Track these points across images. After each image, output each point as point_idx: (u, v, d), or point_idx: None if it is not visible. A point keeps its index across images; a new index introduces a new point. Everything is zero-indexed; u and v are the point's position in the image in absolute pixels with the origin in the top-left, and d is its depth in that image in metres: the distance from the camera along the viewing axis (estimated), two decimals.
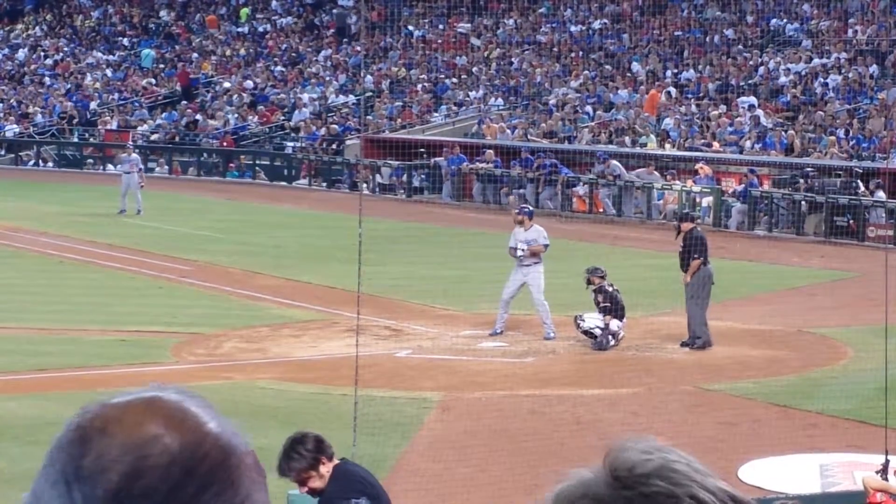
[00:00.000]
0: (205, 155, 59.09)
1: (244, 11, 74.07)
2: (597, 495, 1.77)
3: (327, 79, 63.36)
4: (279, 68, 66.46)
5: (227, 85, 65.02)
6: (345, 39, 67.83)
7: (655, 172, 45.03)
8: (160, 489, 1.75)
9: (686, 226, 25.89)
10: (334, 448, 9.96)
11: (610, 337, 25.20)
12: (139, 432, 1.78)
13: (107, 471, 1.76)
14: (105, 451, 1.77)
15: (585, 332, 25.30)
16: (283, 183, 54.44)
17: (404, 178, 50.71)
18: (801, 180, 41.20)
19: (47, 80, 70.39)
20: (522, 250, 25.61)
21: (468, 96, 58.30)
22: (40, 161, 61.36)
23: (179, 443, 1.77)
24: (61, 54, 73.84)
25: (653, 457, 1.76)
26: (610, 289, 25.50)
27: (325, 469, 9.64)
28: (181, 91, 65.80)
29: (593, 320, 25.23)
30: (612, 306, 25.27)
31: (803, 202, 40.79)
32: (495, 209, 45.50)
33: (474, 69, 60.53)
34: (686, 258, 25.21)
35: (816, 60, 52.66)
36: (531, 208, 27.99)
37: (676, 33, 58.59)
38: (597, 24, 61.67)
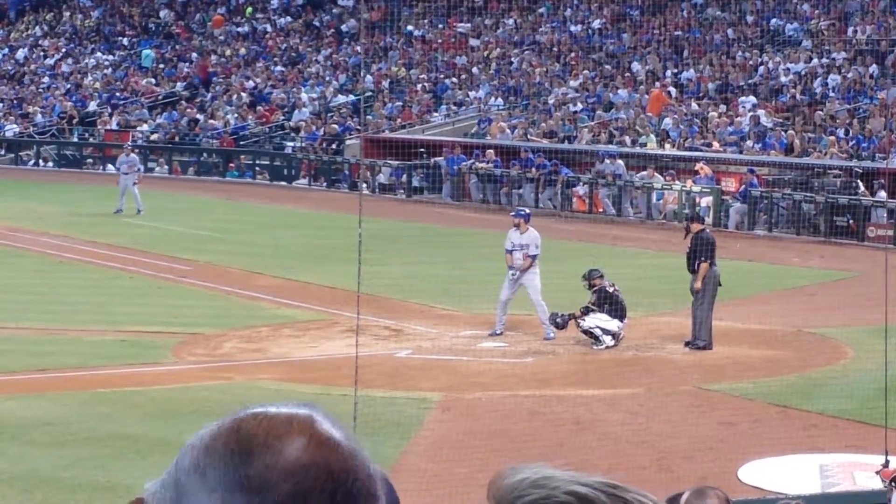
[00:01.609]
0: (204, 155, 59.09)
1: (248, 10, 74.09)
2: None
3: (327, 79, 63.36)
4: (279, 68, 66.47)
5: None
6: (343, 29, 67.82)
7: (657, 174, 45.03)
8: None
9: (695, 227, 25.87)
10: None
11: (610, 337, 25.22)
12: (305, 453, 1.87)
13: (273, 487, 1.83)
14: (271, 466, 1.84)
15: (585, 332, 25.31)
16: (283, 183, 54.43)
17: (404, 178, 50.69)
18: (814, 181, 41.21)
19: (47, 79, 70.39)
20: (514, 267, 25.61)
21: (468, 96, 58.30)
22: (40, 161, 61.36)
23: (340, 467, 1.86)
24: (61, 54, 73.83)
25: (528, 475, 1.83)
26: (610, 289, 25.51)
27: None
28: (201, 83, 66.06)
29: (594, 320, 25.24)
30: (613, 306, 25.28)
31: (803, 203, 40.77)
32: (495, 209, 45.49)
33: (474, 69, 60.52)
34: (693, 260, 25.20)
35: (816, 60, 52.65)
36: (528, 211, 27.95)
37: (676, 33, 58.57)
38: (597, 24, 61.66)
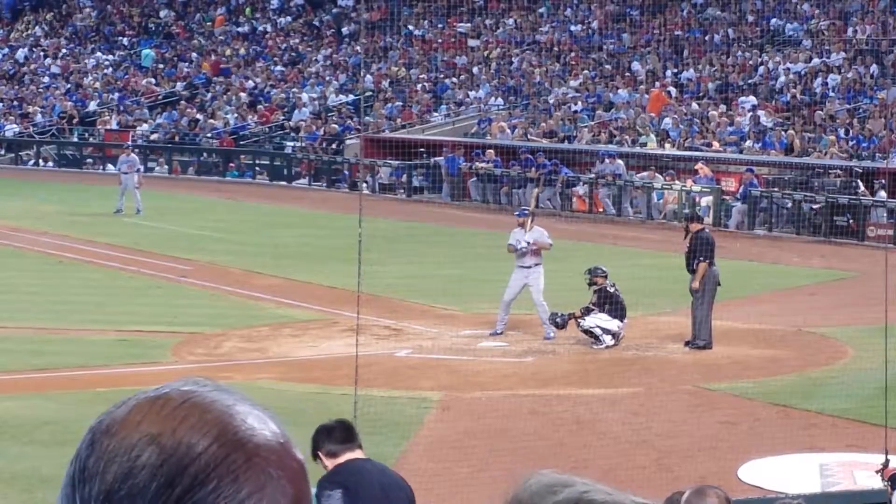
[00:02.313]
0: (205, 154, 59.11)
1: (248, 10, 74.12)
2: None
3: (327, 78, 63.37)
4: (279, 68, 66.48)
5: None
6: (343, 28, 67.82)
7: (657, 175, 45.05)
8: (149, 487, 1.69)
9: (695, 226, 25.86)
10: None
11: (610, 337, 25.23)
12: (137, 432, 1.73)
13: (103, 472, 1.72)
14: (105, 452, 1.73)
15: (585, 332, 25.32)
16: (283, 183, 54.44)
17: (403, 178, 50.70)
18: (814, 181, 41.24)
19: (47, 79, 70.42)
20: (528, 243, 25.63)
21: (468, 96, 58.31)
22: (40, 161, 61.39)
23: (174, 441, 1.70)
24: (61, 54, 73.85)
25: (559, 494, 1.74)
26: (611, 289, 25.52)
27: (329, 462, 9.55)
28: (210, 79, 66.31)
29: (594, 319, 25.25)
30: (613, 306, 25.30)
31: (803, 202, 40.78)
32: (495, 209, 45.50)
33: (474, 69, 60.53)
34: (693, 259, 25.21)
35: (816, 60, 52.65)
36: (530, 210, 27.99)
37: (676, 33, 58.58)
38: (597, 24, 61.66)
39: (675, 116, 50.26)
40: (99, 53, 73.26)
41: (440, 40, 64.45)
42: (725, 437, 19.46)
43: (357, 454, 9.51)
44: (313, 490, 9.73)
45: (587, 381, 22.98)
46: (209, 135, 59.88)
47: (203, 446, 1.71)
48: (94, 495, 1.72)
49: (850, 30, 54.21)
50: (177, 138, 61.01)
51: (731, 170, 45.36)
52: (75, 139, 63.16)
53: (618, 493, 1.76)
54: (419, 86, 60.06)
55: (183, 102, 64.19)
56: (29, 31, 77.86)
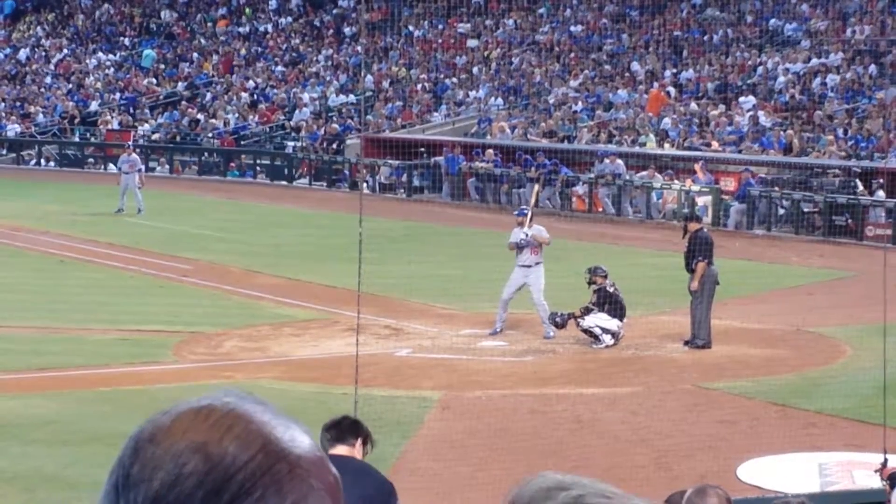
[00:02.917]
0: (205, 154, 59.16)
1: (248, 11, 74.18)
2: None
3: (327, 78, 63.42)
4: (279, 68, 66.52)
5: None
6: (344, 28, 67.87)
7: (657, 175, 45.09)
8: (195, 495, 1.72)
9: (693, 226, 25.91)
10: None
11: (610, 336, 25.28)
12: (183, 440, 1.75)
13: (150, 479, 1.74)
14: (150, 459, 1.75)
15: (585, 331, 25.37)
16: (284, 182, 54.49)
17: (403, 177, 50.75)
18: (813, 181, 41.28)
19: (48, 79, 70.46)
20: (526, 234, 25.70)
21: (468, 96, 58.35)
22: (42, 160, 61.44)
23: (221, 450, 1.74)
24: (63, 54, 73.89)
25: (555, 499, 1.76)
26: (611, 289, 25.57)
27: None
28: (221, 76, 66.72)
29: (594, 319, 25.31)
30: (613, 306, 25.35)
31: (802, 202, 40.83)
32: (495, 209, 45.55)
33: (474, 69, 60.58)
34: (691, 259, 25.25)
35: (815, 60, 52.70)
36: (528, 209, 28.03)
37: (676, 33, 58.62)
38: (589, 25, 61.68)
39: (675, 116, 50.30)
40: (100, 54, 73.31)
41: (440, 40, 64.49)
42: (724, 436, 19.51)
43: (339, 450, 9.70)
44: None
45: (587, 380, 23.03)
46: (210, 135, 59.93)
47: (248, 456, 1.75)
48: (141, 502, 1.75)
49: (848, 30, 54.26)
50: (178, 138, 61.07)
51: (730, 170, 45.41)
52: (77, 139, 63.21)
53: (619, 496, 1.77)
54: (419, 86, 60.11)
55: (184, 102, 64.23)
56: (30, 32, 77.90)
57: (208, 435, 1.76)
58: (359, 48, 63.41)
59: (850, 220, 39.50)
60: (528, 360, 24.57)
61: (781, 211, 41.76)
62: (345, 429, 9.95)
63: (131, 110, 64.69)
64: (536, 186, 32.93)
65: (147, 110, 64.61)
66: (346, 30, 69.15)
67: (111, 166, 55.51)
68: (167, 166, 58.24)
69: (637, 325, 26.21)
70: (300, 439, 1.80)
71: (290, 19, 72.90)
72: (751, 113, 48.66)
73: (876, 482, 15.67)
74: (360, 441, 9.93)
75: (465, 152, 49.81)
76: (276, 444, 1.77)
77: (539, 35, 62.38)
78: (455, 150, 49.79)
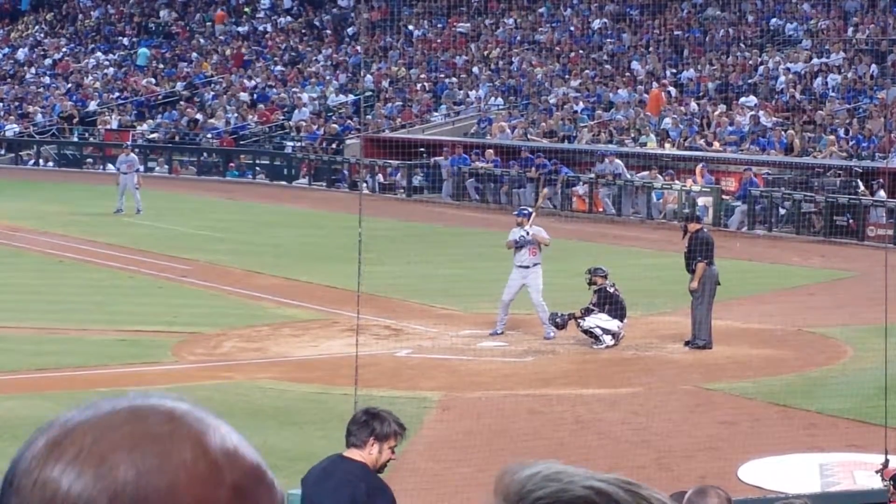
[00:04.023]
0: (205, 154, 59.12)
1: (247, 10, 74.18)
2: None
3: (327, 78, 63.38)
4: (279, 68, 66.49)
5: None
6: (344, 28, 67.85)
7: (659, 176, 45.06)
8: None
9: (693, 226, 25.87)
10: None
11: (610, 337, 25.24)
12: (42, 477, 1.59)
13: None
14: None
15: (585, 332, 25.33)
16: (283, 182, 54.45)
17: (398, 176, 50.71)
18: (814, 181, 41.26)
19: (47, 79, 70.44)
20: (526, 232, 25.65)
21: (468, 96, 58.32)
22: (40, 160, 61.40)
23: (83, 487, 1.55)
24: (61, 53, 73.87)
25: (539, 469, 1.65)
26: (611, 290, 25.53)
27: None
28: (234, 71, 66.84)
29: (594, 320, 25.26)
30: (613, 306, 25.31)
31: (803, 202, 40.80)
32: (495, 209, 45.51)
33: (474, 69, 60.55)
34: (691, 259, 25.21)
35: (816, 60, 52.66)
36: (530, 210, 28.00)
37: (676, 33, 58.59)
38: (597, 24, 61.68)
39: (675, 116, 50.26)
40: (99, 53, 73.28)
41: (440, 40, 64.46)
42: (725, 436, 19.46)
43: (351, 453, 9.58)
44: None
45: (587, 381, 22.98)
46: (209, 135, 59.90)
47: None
48: None
49: (849, 30, 54.23)
50: (177, 138, 61.04)
51: (730, 170, 45.37)
52: (75, 139, 63.18)
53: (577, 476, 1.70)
54: (419, 86, 60.08)
55: (183, 102, 64.20)
56: (29, 31, 77.88)
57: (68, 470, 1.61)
58: (358, 48, 63.38)
59: (851, 221, 39.46)
60: (528, 360, 24.53)
61: (782, 211, 41.74)
62: (349, 430, 9.72)
63: (135, 111, 64.63)
64: (545, 191, 32.88)
65: (146, 110, 64.56)
66: (350, 29, 69.12)
67: (110, 166, 55.47)
68: (166, 166, 58.20)
69: (637, 326, 26.16)
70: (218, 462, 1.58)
71: (289, 19, 72.86)
72: (752, 113, 48.62)
73: (877, 483, 15.63)
74: (372, 439, 9.47)
75: (465, 152, 49.78)
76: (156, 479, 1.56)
77: (539, 35, 62.35)
78: (455, 151, 49.77)
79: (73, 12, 79.51)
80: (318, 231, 40.96)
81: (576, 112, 53.10)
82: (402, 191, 50.54)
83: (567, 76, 57.45)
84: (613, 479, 1.68)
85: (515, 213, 27.64)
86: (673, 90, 53.30)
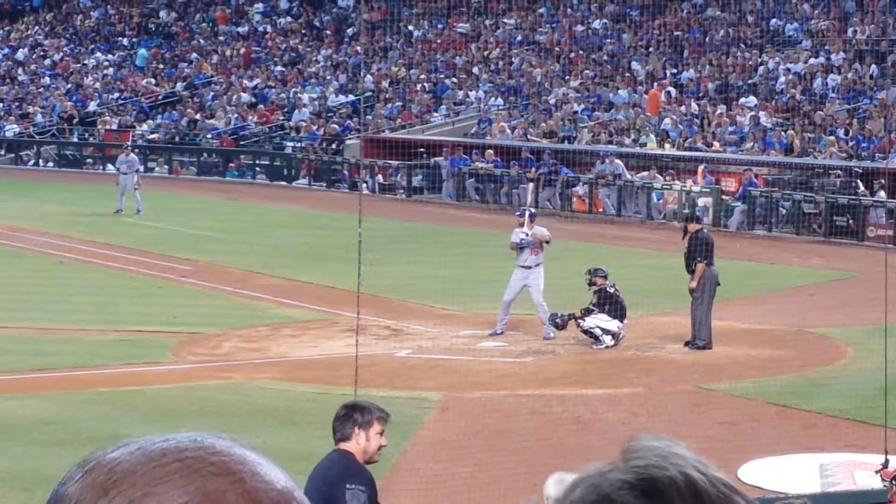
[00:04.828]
0: (205, 155, 59.12)
1: (249, 11, 74.18)
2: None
3: (327, 79, 63.38)
4: (279, 68, 66.49)
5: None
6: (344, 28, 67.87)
7: (659, 176, 45.07)
8: None
9: (693, 227, 25.88)
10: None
11: (610, 337, 25.24)
12: None
13: None
14: None
15: (585, 332, 25.33)
16: (283, 183, 54.46)
17: (398, 177, 50.71)
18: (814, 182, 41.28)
19: (47, 79, 70.43)
20: (526, 233, 25.65)
21: (468, 96, 58.32)
22: (40, 161, 61.41)
23: None
24: (61, 54, 73.87)
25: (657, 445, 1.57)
26: (611, 290, 25.52)
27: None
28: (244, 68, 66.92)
29: (594, 320, 25.26)
30: (613, 307, 25.31)
31: (803, 203, 40.81)
32: (495, 209, 45.51)
33: (474, 69, 60.55)
34: (691, 260, 25.21)
35: (816, 60, 52.66)
36: (533, 210, 28.01)
37: (676, 33, 58.59)
38: (597, 24, 61.68)
39: (675, 117, 50.27)
40: (99, 54, 73.28)
41: (440, 41, 64.45)
42: (725, 437, 19.46)
43: (342, 446, 9.98)
44: None
45: (587, 381, 22.98)
46: (209, 135, 59.90)
47: None
48: None
49: (849, 30, 54.22)
50: (177, 138, 61.03)
51: (731, 170, 45.38)
52: (75, 139, 63.18)
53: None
54: (419, 86, 60.07)
55: (182, 105, 64.17)
56: (29, 32, 77.87)
57: None
58: (358, 48, 63.38)
59: (851, 221, 39.46)
60: (528, 360, 24.53)
61: (782, 211, 41.74)
62: (335, 423, 10.08)
63: (140, 114, 64.62)
64: (531, 185, 32.89)
65: (146, 110, 64.53)
66: (350, 30, 69.12)
67: (110, 166, 55.48)
68: (166, 167, 58.20)
69: (637, 326, 26.16)
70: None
71: (289, 19, 72.86)
72: (752, 113, 48.62)
73: (877, 483, 15.64)
74: (357, 429, 9.84)
75: (465, 153, 49.79)
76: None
77: (539, 35, 62.34)
78: (455, 151, 49.78)
79: (73, 13, 79.48)
80: (318, 231, 40.96)
81: (576, 112, 53.10)
82: (402, 191, 50.55)
83: (567, 76, 57.45)
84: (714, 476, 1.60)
85: (517, 213, 27.63)
86: (673, 90, 53.30)
